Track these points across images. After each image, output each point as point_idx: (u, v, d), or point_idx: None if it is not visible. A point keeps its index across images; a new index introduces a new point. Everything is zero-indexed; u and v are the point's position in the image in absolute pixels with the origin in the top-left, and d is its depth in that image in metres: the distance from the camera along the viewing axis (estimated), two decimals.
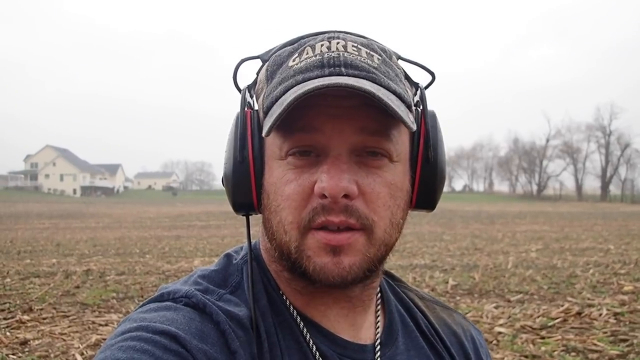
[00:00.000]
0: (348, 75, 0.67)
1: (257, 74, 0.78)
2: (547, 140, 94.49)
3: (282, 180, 0.69)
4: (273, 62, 0.73)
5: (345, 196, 0.65)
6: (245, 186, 0.72)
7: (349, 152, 0.67)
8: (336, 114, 0.67)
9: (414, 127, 0.67)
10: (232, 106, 0.77)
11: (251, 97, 0.77)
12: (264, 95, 0.72)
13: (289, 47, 0.74)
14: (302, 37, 0.75)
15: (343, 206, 0.66)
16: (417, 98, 0.77)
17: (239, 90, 0.77)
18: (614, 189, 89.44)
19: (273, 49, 0.76)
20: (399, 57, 0.77)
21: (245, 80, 0.79)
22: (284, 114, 0.63)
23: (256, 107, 0.76)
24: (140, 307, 0.71)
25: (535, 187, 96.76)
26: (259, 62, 0.78)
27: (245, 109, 0.74)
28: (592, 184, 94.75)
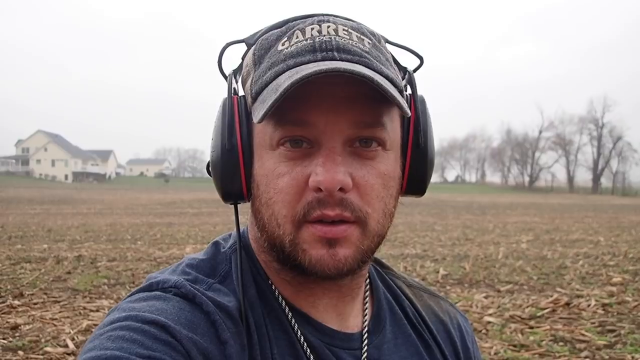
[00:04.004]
0: (341, 59, 0.65)
1: (243, 58, 0.76)
2: (540, 132, 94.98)
3: (275, 172, 0.67)
4: (260, 46, 0.71)
5: (341, 189, 0.65)
6: (234, 175, 0.71)
7: (343, 143, 0.66)
8: (330, 107, 0.65)
9: (409, 112, 0.66)
10: (220, 92, 0.76)
11: (236, 82, 0.76)
12: (252, 80, 0.70)
13: (276, 31, 0.71)
14: (290, 20, 0.72)
15: (338, 199, 0.65)
16: (404, 82, 0.76)
17: (224, 75, 0.76)
18: (605, 181, 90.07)
19: (259, 32, 0.74)
20: (387, 41, 0.75)
21: (229, 65, 0.76)
22: (280, 99, 0.61)
23: (241, 93, 0.75)
24: (128, 296, 0.71)
25: (527, 179, 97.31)
26: (243, 47, 0.75)
27: (228, 94, 0.72)
28: (583, 176, 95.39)
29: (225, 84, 0.74)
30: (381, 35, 0.75)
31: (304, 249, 0.67)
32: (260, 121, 0.64)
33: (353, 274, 0.73)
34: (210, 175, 0.74)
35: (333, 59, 0.65)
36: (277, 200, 0.67)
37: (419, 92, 0.76)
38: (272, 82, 0.66)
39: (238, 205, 0.77)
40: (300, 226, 0.67)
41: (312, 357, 0.72)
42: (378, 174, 0.68)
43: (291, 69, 0.65)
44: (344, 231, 0.66)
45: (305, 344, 0.72)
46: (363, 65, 0.66)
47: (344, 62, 0.64)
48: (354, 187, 0.66)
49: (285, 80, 0.62)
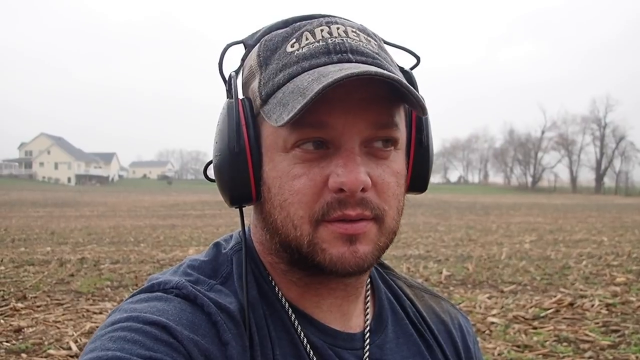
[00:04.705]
0: (356, 61, 0.66)
1: (243, 60, 0.75)
2: (543, 132, 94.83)
3: (290, 174, 0.67)
4: (265, 47, 0.70)
5: (362, 189, 0.65)
6: (242, 178, 0.70)
7: (360, 144, 0.67)
8: (348, 109, 0.65)
9: (427, 113, 0.67)
10: (223, 94, 0.74)
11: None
12: (259, 82, 0.69)
13: (281, 32, 0.71)
14: (291, 21, 0.72)
15: (359, 199, 0.65)
16: None
17: (223, 77, 0.75)
18: (608, 181, 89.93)
19: (257, 32, 0.74)
20: (384, 42, 0.76)
21: (229, 67, 0.75)
22: (310, 102, 0.59)
23: (241, 95, 0.74)
24: (130, 297, 0.70)
25: (530, 179, 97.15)
26: (242, 48, 0.75)
27: (234, 97, 0.71)
28: (586, 176, 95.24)
29: (223, 86, 0.74)
30: (380, 37, 0.75)
31: (323, 248, 0.67)
32: (284, 124, 0.62)
33: (367, 271, 0.73)
34: (209, 179, 0.74)
35: (349, 60, 0.66)
36: (293, 201, 0.67)
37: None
38: (286, 84, 0.66)
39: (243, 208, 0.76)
40: (317, 226, 0.67)
41: (314, 358, 0.72)
42: (392, 173, 0.69)
43: (307, 71, 0.65)
44: (364, 227, 0.67)
45: (308, 345, 0.72)
46: (378, 67, 0.66)
47: (363, 65, 0.65)
48: (372, 186, 0.67)
49: (311, 83, 0.62)
